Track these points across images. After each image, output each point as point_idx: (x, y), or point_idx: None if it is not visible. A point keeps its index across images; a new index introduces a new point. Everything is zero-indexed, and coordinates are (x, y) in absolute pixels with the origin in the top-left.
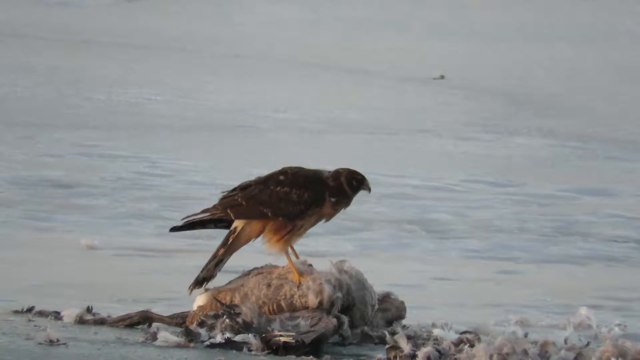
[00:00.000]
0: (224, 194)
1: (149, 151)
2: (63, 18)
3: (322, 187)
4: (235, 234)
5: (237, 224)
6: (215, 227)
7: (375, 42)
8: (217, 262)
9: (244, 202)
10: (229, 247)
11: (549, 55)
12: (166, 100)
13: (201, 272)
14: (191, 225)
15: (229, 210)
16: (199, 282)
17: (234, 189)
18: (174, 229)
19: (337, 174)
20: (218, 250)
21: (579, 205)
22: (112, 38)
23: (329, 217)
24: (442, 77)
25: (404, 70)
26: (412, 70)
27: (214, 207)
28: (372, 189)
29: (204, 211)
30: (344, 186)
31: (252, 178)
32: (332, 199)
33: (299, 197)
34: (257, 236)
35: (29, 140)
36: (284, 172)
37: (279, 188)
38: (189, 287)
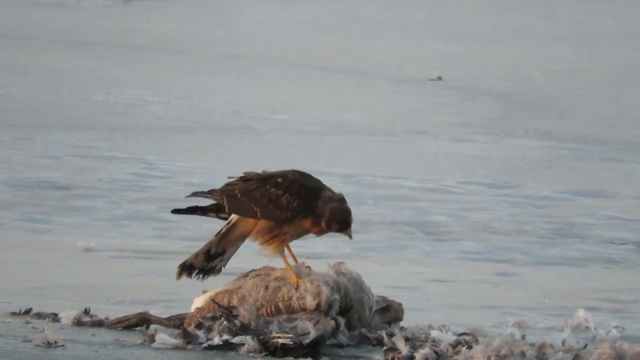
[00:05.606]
0: (230, 179)
1: (146, 152)
2: (60, 19)
3: (315, 200)
4: (229, 225)
5: (233, 216)
6: (217, 216)
7: (372, 44)
8: (207, 251)
9: (239, 195)
10: (221, 238)
11: (546, 56)
12: (163, 101)
13: (190, 257)
14: (193, 209)
15: (224, 200)
16: (187, 269)
17: (240, 177)
18: (176, 211)
19: (329, 205)
20: (211, 239)
21: (576, 207)
22: (109, 39)
23: (318, 232)
24: (440, 78)
25: (401, 71)
26: (409, 71)
27: (217, 191)
28: (352, 237)
29: (209, 192)
30: (322, 220)
31: (259, 171)
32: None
33: (288, 203)
34: (250, 234)
35: (26, 141)
36: (284, 175)
37: (273, 190)
38: (177, 269)
